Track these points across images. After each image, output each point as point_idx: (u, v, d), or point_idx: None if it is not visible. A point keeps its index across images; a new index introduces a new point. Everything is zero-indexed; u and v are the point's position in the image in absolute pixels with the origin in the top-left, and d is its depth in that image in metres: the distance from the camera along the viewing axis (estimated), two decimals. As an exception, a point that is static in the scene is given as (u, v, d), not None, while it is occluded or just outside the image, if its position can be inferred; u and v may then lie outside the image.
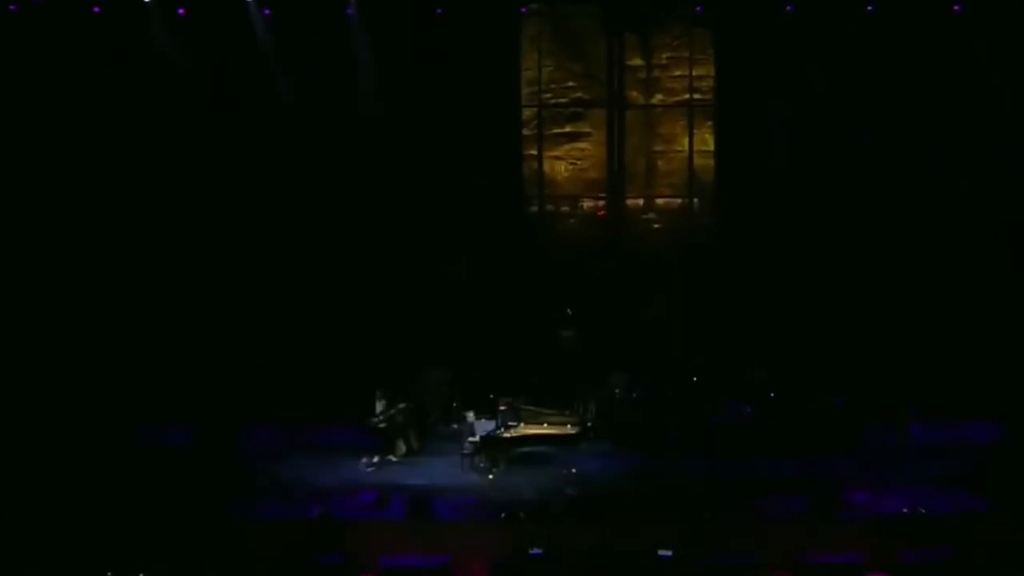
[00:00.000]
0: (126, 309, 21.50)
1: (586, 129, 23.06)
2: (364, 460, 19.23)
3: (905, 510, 16.61)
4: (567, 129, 23.08)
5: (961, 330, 21.24)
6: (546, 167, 23.00)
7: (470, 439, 18.92)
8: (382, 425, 19.48)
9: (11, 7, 20.70)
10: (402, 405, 19.66)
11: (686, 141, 22.82)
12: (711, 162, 22.81)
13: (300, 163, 21.77)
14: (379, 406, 19.58)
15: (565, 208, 23.34)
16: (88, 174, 21.38)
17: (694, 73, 22.63)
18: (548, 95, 22.89)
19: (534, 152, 22.95)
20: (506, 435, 18.73)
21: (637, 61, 22.77)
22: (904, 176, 21.65)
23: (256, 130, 21.54)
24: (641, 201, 23.12)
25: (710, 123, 22.73)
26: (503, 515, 16.88)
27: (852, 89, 21.49)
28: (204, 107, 21.40)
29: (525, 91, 22.76)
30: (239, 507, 17.32)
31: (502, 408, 19.07)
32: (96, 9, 20.92)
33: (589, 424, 19.55)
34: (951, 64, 21.19)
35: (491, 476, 18.46)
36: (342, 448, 19.72)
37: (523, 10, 22.18)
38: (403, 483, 18.21)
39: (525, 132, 22.87)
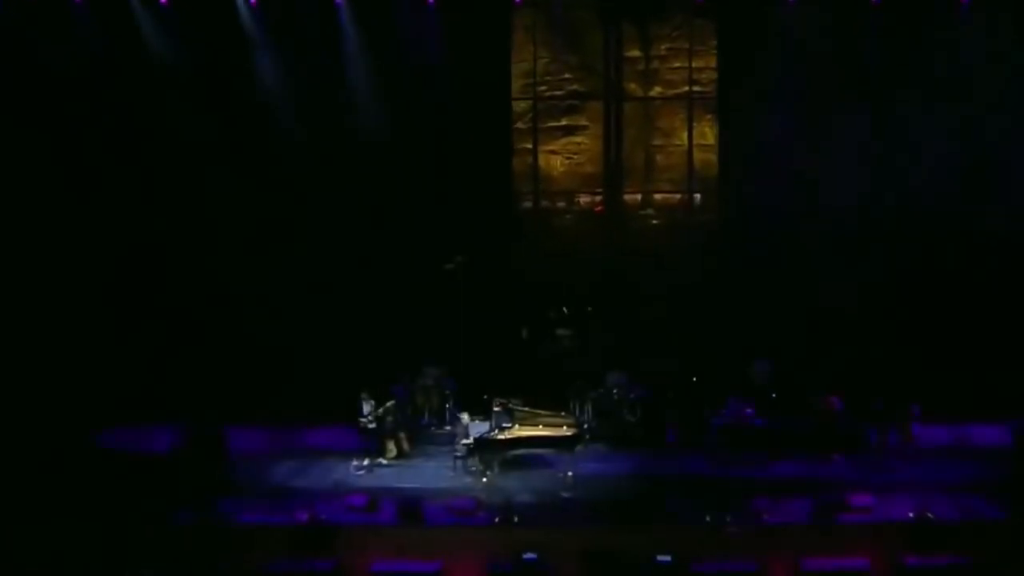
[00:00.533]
0: (113, 310, 21.32)
1: (582, 122, 22.86)
2: (354, 463, 19.04)
3: (912, 515, 16.41)
4: (563, 122, 22.89)
5: (963, 330, 21.09)
6: (541, 161, 22.85)
7: (463, 441, 18.76)
8: (371, 426, 19.28)
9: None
10: (389, 404, 19.44)
11: (685, 135, 22.67)
12: (711, 156, 22.66)
13: (287, 157, 21.55)
14: (366, 407, 19.36)
15: (561, 204, 23.16)
16: (67, 167, 21.15)
17: (694, 65, 22.45)
18: (543, 87, 22.72)
19: (529, 146, 22.73)
20: (500, 437, 18.52)
21: (635, 52, 22.56)
22: (906, 172, 21.45)
23: (242, 122, 21.33)
24: (639, 196, 22.97)
25: (710, 116, 22.58)
26: (497, 519, 16.79)
27: (855, 82, 21.22)
28: (189, 100, 21.21)
29: (520, 83, 22.56)
30: (226, 511, 17.12)
31: (496, 409, 18.86)
32: (78, -1, 20.86)
33: (586, 425, 19.41)
34: (956, 56, 20.95)
35: (485, 479, 18.27)
36: (331, 451, 19.58)
37: (517, 0, 21.84)
38: (394, 486, 18.10)
39: (520, 126, 22.70)
